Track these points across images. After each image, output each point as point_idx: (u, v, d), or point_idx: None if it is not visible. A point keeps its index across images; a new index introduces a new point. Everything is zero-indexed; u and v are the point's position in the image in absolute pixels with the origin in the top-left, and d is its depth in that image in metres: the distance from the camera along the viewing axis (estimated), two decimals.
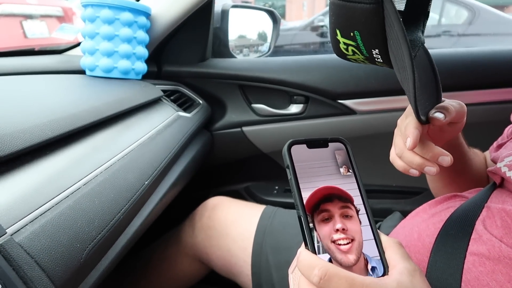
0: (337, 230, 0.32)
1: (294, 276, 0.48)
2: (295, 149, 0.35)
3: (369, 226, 0.34)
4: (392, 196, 0.97)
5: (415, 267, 0.32)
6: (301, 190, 0.33)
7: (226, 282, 0.80)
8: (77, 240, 0.39)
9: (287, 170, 0.35)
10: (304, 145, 0.35)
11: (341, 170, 0.35)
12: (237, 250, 0.73)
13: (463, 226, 0.46)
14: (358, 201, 0.34)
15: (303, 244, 0.33)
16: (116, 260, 0.48)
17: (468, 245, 0.44)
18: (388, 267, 0.32)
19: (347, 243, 0.32)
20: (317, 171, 0.35)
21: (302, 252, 0.32)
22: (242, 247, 0.73)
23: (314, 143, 0.36)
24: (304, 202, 0.33)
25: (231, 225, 0.76)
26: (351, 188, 0.35)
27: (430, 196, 0.94)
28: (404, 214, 0.79)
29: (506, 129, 0.64)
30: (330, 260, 0.31)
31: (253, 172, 1.07)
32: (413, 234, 0.53)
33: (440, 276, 0.44)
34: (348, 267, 0.31)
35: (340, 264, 0.31)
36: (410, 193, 0.97)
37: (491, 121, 0.95)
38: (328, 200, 0.33)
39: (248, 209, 0.80)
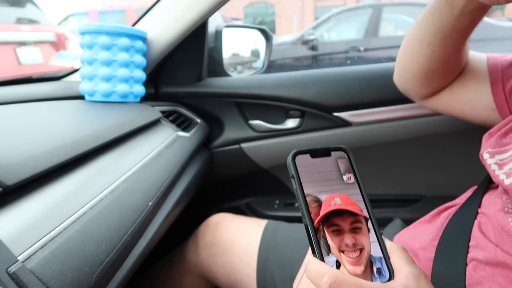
0: (347, 244, 0.32)
1: None
2: (299, 159, 0.36)
3: (373, 231, 0.34)
4: (392, 205, 0.98)
5: (419, 271, 0.32)
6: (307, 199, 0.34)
7: None
8: (86, 264, 0.40)
9: (292, 180, 0.35)
10: (308, 155, 0.36)
11: (344, 178, 0.36)
12: (242, 266, 0.74)
13: (461, 233, 0.47)
14: (362, 207, 0.35)
15: (310, 251, 0.34)
16: (123, 281, 0.48)
17: (467, 252, 0.45)
18: (393, 272, 0.33)
19: (356, 256, 0.32)
20: (322, 179, 0.36)
21: (311, 260, 0.32)
22: (246, 263, 0.73)
23: (318, 152, 0.37)
24: (313, 214, 0.33)
25: (234, 241, 0.77)
26: (355, 194, 0.36)
27: (429, 203, 0.95)
28: (405, 221, 0.80)
29: None
30: (337, 263, 0.32)
31: (253, 187, 1.08)
32: (415, 243, 0.54)
33: (444, 285, 0.44)
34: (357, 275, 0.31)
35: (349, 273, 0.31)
36: (410, 200, 0.98)
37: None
38: (339, 214, 0.33)
39: (250, 225, 0.80)
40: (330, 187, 0.35)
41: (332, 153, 0.37)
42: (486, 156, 0.52)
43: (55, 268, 0.36)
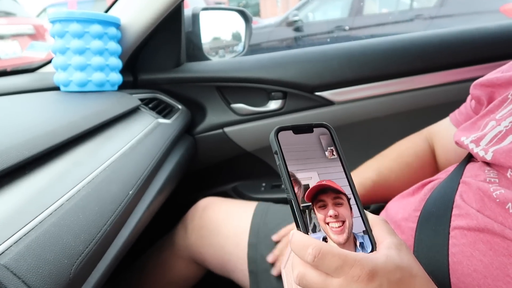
0: (330, 216, 0.35)
1: (287, 271, 0.50)
2: (282, 135, 0.37)
3: (356, 206, 0.36)
4: None
5: (400, 241, 0.34)
6: (290, 174, 0.35)
7: (222, 285, 0.81)
8: (64, 256, 0.39)
9: (276, 156, 0.36)
10: (291, 131, 0.37)
11: (326, 153, 0.37)
12: (231, 246, 0.74)
13: (443, 202, 0.48)
14: (344, 182, 0.36)
15: (294, 226, 0.35)
16: (107, 272, 0.48)
17: (450, 220, 0.46)
18: (375, 243, 0.34)
19: (339, 226, 0.35)
20: (304, 155, 0.37)
21: (295, 233, 0.34)
22: (235, 244, 0.74)
23: (300, 128, 0.37)
24: (297, 189, 0.35)
25: (223, 223, 0.77)
26: (337, 170, 0.37)
27: None
28: None
29: (468, 99, 0.66)
30: (324, 239, 0.34)
31: (239, 171, 1.07)
32: (398, 215, 0.55)
33: (427, 253, 0.45)
34: (340, 244, 0.34)
35: (333, 242, 0.34)
36: None
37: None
38: (324, 191, 0.36)
39: (238, 207, 0.81)
40: (312, 163, 0.36)
41: (314, 129, 0.38)
42: (463, 138, 0.54)
43: (31, 262, 0.35)
